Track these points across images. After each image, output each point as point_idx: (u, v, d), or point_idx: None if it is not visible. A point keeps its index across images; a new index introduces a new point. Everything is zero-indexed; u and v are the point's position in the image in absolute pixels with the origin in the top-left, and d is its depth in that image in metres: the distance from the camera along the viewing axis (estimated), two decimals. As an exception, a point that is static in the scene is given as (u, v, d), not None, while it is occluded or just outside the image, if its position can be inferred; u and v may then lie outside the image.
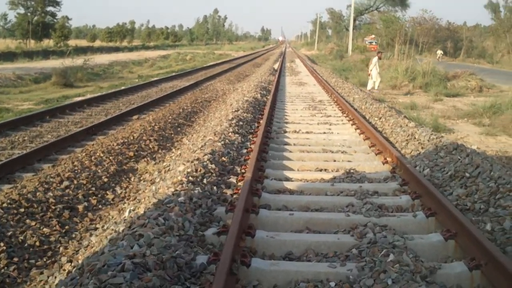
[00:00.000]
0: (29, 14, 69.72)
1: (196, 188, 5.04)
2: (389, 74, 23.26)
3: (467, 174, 5.41)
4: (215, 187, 5.32)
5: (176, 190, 4.90)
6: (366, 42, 66.75)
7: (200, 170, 5.67)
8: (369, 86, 18.49)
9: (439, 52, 53.76)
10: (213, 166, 5.95)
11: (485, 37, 63.24)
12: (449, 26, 60.09)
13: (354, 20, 60.17)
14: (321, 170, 6.53)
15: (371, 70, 18.31)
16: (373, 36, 67.84)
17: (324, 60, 50.36)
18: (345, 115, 11.03)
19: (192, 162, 6.03)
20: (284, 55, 55.14)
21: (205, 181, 5.38)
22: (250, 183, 5.19)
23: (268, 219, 4.66)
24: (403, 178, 5.68)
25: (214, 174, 5.74)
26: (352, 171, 6.37)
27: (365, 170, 6.46)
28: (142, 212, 4.58)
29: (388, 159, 6.57)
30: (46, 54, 46.03)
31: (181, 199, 4.64)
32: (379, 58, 18.57)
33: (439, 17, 72.76)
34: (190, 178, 5.31)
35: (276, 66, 32.09)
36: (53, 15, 74.08)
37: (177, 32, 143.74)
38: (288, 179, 6.10)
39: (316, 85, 19.37)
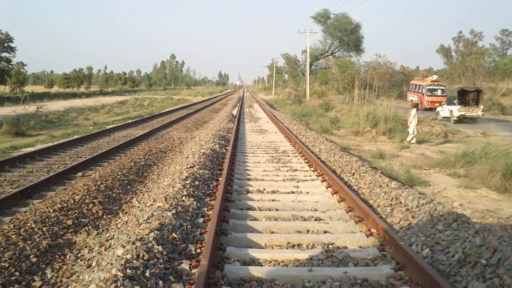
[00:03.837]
0: (-18, 60, 67.94)
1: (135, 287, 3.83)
2: (350, 119, 22.69)
3: (483, 261, 4.29)
4: (161, 282, 4.11)
5: (108, 294, 3.67)
6: (424, 90, 37.27)
7: (143, 256, 4.46)
8: (408, 138, 17.60)
9: None
10: (159, 248, 4.75)
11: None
12: (404, 70, 61.12)
13: (310, 65, 60.22)
14: (293, 246, 5.40)
15: (410, 122, 17.43)
16: (435, 77, 40.71)
17: (282, 104, 49.98)
18: (312, 169, 10.01)
19: (133, 243, 4.79)
20: (243, 100, 54.54)
21: (147, 273, 4.16)
22: (207, 273, 4.05)
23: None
24: (397, 260, 4.60)
25: (161, 260, 4.54)
26: (331, 247, 5.27)
27: (347, 245, 5.37)
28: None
29: (373, 230, 5.50)
30: (1, 101, 44.23)
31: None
32: (417, 110, 17.84)
33: (393, 61, 73.46)
34: (128, 271, 4.08)
35: (235, 112, 31.25)
36: (8, 61, 72.45)
37: (135, 78, 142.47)
38: (254, 261, 4.94)
39: (277, 132, 18.48)
